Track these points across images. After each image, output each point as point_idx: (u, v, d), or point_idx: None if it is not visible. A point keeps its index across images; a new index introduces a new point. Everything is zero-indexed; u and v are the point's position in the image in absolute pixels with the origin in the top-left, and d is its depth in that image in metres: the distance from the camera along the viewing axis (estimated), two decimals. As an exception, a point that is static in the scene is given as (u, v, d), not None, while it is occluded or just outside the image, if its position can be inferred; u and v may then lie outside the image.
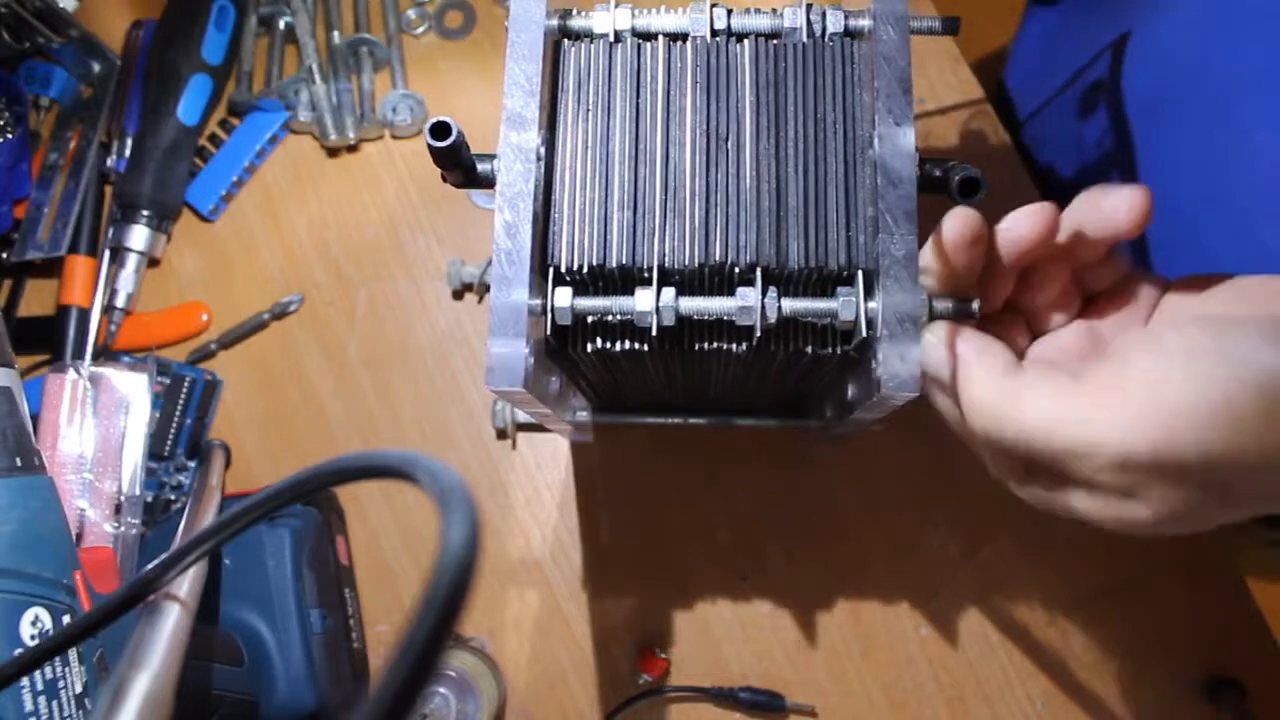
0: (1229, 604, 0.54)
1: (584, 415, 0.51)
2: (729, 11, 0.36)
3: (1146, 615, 0.54)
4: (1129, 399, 0.29)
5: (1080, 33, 0.57)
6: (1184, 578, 0.54)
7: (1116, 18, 0.52)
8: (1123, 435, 0.29)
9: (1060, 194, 0.58)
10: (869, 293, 0.33)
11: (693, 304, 0.33)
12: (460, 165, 0.33)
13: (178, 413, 0.56)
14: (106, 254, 0.59)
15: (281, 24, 0.63)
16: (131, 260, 0.58)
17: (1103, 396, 0.30)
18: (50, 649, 0.32)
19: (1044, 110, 0.60)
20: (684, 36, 0.36)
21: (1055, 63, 0.59)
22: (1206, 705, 0.53)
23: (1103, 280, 0.36)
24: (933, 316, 0.33)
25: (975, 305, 0.33)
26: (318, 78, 0.61)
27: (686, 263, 0.33)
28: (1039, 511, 0.54)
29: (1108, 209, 0.33)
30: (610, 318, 0.35)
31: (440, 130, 0.31)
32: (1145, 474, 0.29)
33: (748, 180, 0.34)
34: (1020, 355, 0.35)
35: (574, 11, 0.37)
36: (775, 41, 0.35)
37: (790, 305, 0.33)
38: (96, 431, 0.52)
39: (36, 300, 0.60)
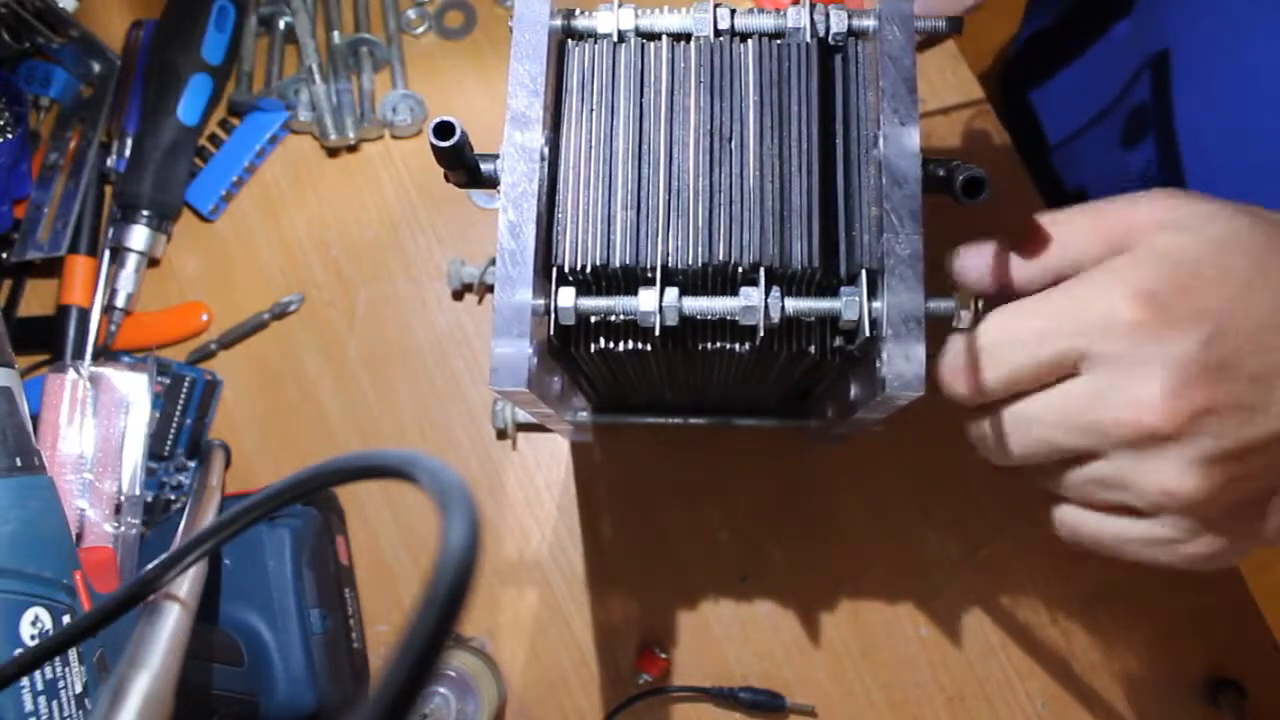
0: (1229, 604, 0.54)
1: (584, 415, 0.51)
2: (732, 11, 0.36)
3: (1146, 615, 0.54)
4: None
5: (1116, 52, 0.56)
6: (1184, 578, 0.54)
7: (1151, 33, 0.51)
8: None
9: None
10: (873, 292, 0.33)
11: (696, 304, 0.33)
12: (463, 165, 0.33)
13: (178, 413, 0.56)
14: (106, 254, 0.59)
15: (281, 24, 0.62)
16: (131, 260, 0.58)
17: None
18: (50, 649, 0.32)
19: (1081, 136, 0.59)
20: (687, 36, 0.36)
21: (1089, 88, 0.58)
22: (1206, 705, 0.53)
23: None
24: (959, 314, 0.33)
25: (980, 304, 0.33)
26: (318, 78, 0.60)
27: (690, 262, 0.33)
28: (1039, 511, 0.55)
29: None
30: (613, 318, 0.35)
31: (444, 130, 0.31)
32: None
33: (751, 180, 0.34)
34: None
35: (578, 12, 0.37)
36: (779, 41, 0.35)
37: (794, 305, 0.33)
38: (96, 431, 0.51)
39: (36, 300, 0.60)
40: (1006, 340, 0.32)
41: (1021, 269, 0.34)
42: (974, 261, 0.35)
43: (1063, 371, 0.32)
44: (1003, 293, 0.35)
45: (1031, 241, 0.34)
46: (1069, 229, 0.33)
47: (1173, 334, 0.30)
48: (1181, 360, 0.30)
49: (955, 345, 0.34)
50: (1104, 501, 0.34)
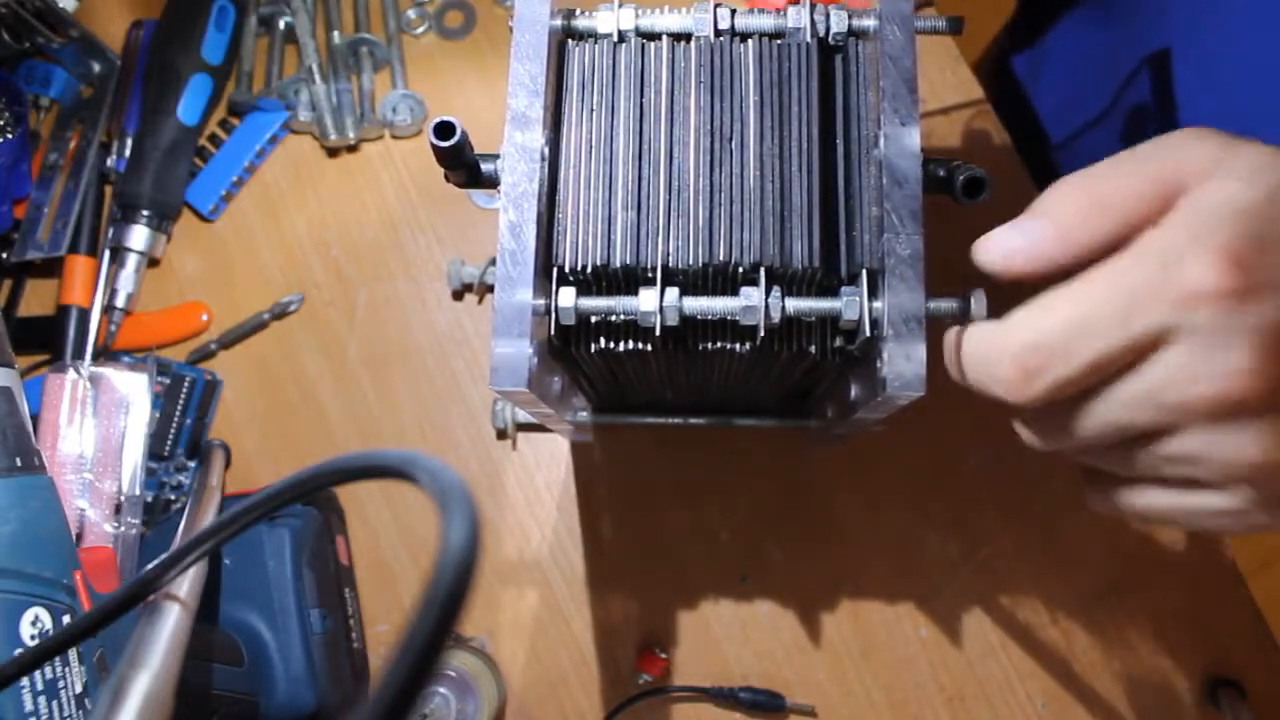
0: (1229, 604, 0.54)
1: (584, 415, 0.51)
2: (732, 11, 0.36)
3: (1146, 615, 0.54)
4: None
5: (1116, 51, 0.55)
6: (1184, 578, 0.54)
7: (1155, 32, 0.50)
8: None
9: None
10: (873, 292, 0.33)
11: (696, 304, 0.33)
12: (464, 165, 0.33)
13: (178, 413, 0.56)
14: (106, 254, 0.59)
15: (281, 24, 0.62)
16: (131, 260, 0.58)
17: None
18: (50, 649, 0.32)
19: (1082, 134, 0.59)
20: (688, 36, 0.36)
21: (1089, 85, 0.57)
22: (1206, 705, 0.53)
23: None
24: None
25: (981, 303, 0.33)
26: (318, 78, 0.60)
27: (690, 262, 0.33)
28: (1039, 511, 0.55)
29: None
30: (614, 318, 0.35)
31: (444, 130, 0.31)
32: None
33: (751, 180, 0.34)
34: None
35: (578, 12, 0.37)
36: (779, 41, 0.35)
37: (794, 305, 0.33)
38: (96, 431, 0.51)
39: (36, 300, 0.60)
40: (1087, 326, 0.29)
41: (1069, 240, 0.30)
42: (1011, 243, 0.31)
43: (1147, 350, 0.29)
44: (1047, 275, 0.31)
45: (1073, 209, 0.30)
46: (1114, 187, 0.30)
47: (1259, 298, 0.27)
48: (1269, 327, 0.27)
49: (993, 344, 0.30)
50: (1169, 476, 0.32)
